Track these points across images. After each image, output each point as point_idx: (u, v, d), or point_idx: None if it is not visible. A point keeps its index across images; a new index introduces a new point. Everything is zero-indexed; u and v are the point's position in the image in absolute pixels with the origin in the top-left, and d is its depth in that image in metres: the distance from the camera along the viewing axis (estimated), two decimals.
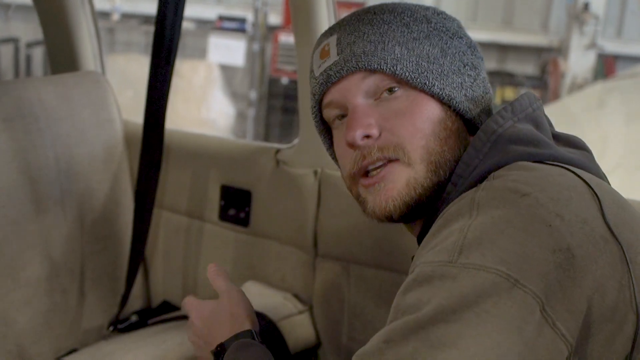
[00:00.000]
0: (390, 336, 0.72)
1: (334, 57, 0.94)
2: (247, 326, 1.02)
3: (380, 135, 0.91)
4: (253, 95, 5.95)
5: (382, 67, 0.91)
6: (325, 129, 1.04)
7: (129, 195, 1.70)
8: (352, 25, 0.95)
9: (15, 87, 1.51)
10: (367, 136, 0.91)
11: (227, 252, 1.65)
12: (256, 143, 1.65)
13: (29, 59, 6.19)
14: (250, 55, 5.90)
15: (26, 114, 1.48)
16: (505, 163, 0.85)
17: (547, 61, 5.95)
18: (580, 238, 0.74)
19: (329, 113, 0.98)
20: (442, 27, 0.96)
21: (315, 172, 1.49)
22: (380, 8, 0.97)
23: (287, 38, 5.67)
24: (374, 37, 0.92)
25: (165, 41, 1.42)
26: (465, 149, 0.91)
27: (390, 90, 0.92)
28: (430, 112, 0.91)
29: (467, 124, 0.95)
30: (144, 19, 6.37)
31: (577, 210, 0.76)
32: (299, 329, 1.51)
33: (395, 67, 0.91)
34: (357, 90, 0.93)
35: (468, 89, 0.94)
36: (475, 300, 0.69)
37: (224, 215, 1.64)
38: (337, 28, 0.97)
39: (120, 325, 1.60)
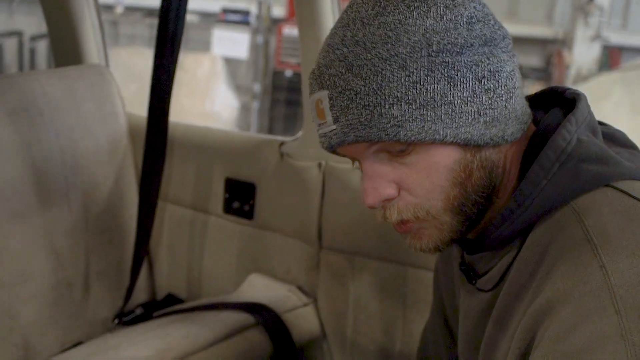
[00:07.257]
0: None
1: (330, 123, 0.84)
2: None
3: (399, 193, 0.85)
4: (257, 88, 5.94)
5: (382, 139, 0.81)
6: None
7: (134, 188, 1.70)
8: (341, 78, 0.82)
9: (20, 81, 1.52)
10: (386, 199, 0.86)
11: (231, 244, 1.66)
12: (260, 136, 1.65)
13: (32, 52, 6.20)
14: (254, 47, 5.89)
15: (30, 107, 1.49)
16: (581, 190, 0.81)
17: (552, 53, 5.94)
18: None
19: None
20: (446, 46, 0.80)
21: (320, 165, 1.49)
22: (370, 37, 0.81)
23: (291, 30, 5.66)
24: (369, 99, 0.80)
25: (169, 34, 1.42)
26: (491, 171, 0.85)
27: (400, 151, 0.84)
28: (446, 160, 0.83)
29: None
30: (148, 11, 6.37)
31: None
32: (303, 321, 1.51)
33: (398, 135, 0.80)
34: (366, 154, 0.85)
35: (486, 111, 0.82)
36: None
37: (228, 208, 1.64)
38: (326, 80, 0.84)
39: (126, 318, 1.61)
